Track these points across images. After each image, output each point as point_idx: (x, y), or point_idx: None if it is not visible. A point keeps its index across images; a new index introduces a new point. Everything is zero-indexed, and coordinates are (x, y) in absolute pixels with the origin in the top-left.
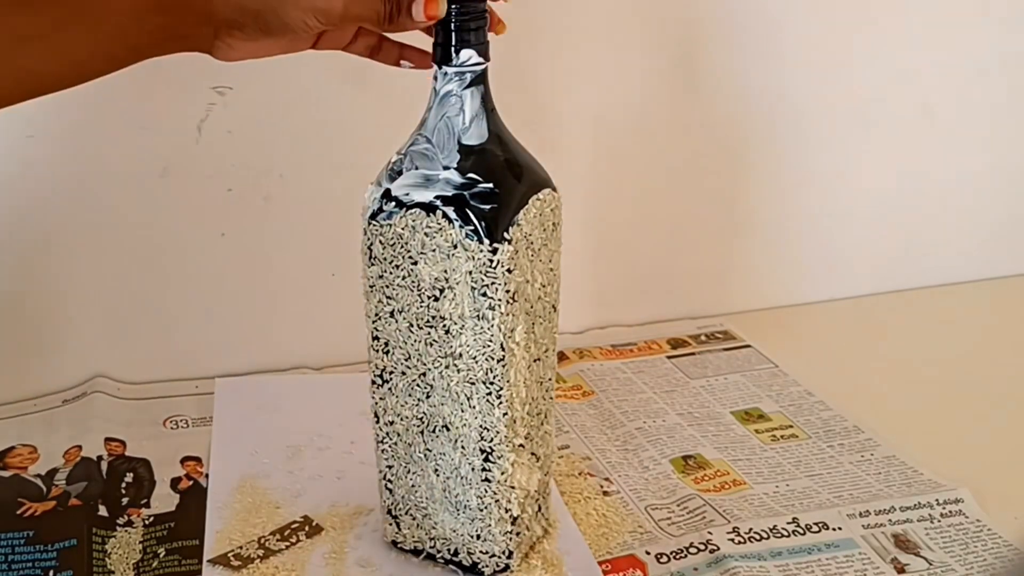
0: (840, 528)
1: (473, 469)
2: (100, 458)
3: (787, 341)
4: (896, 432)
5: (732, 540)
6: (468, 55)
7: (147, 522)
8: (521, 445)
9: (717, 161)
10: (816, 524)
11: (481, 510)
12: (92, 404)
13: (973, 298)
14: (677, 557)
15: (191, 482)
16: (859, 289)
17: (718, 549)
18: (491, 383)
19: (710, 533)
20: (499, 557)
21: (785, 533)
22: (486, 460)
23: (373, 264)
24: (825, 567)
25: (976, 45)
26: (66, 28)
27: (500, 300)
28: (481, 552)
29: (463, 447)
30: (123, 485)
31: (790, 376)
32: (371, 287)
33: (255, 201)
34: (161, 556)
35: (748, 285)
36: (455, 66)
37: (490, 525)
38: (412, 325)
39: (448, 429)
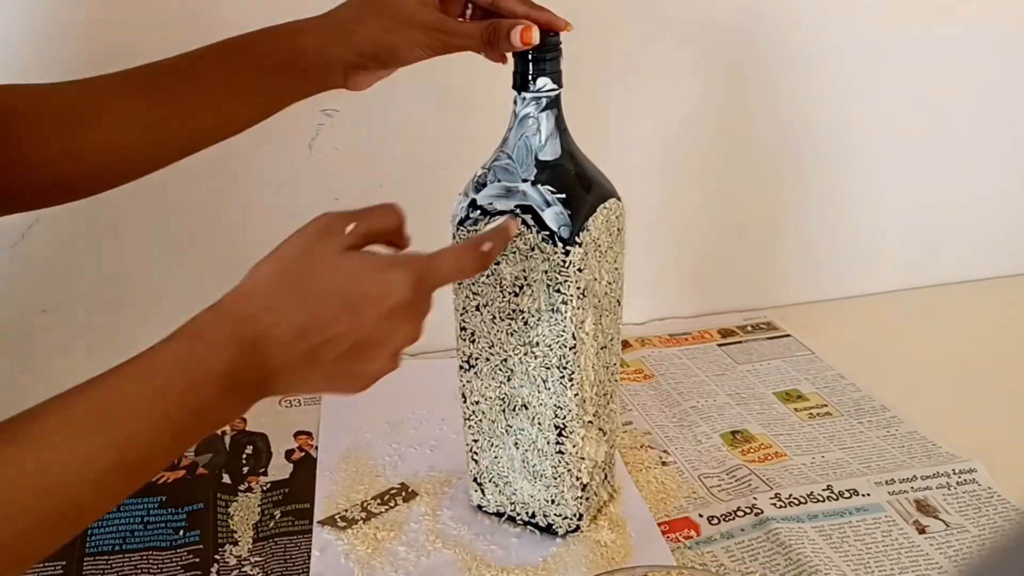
0: (869, 494)
1: (548, 443)
2: (224, 433)
3: (823, 331)
4: (918, 410)
5: (774, 504)
6: (544, 82)
7: (265, 488)
8: (590, 422)
9: (761, 172)
10: (848, 491)
11: (555, 478)
12: None
13: (990, 294)
14: (726, 519)
15: (303, 454)
16: (887, 285)
17: (762, 512)
18: (564, 368)
19: (755, 498)
20: (571, 519)
21: (820, 498)
22: (559, 435)
23: None
24: (856, 528)
25: (989, 66)
26: (241, 101)
27: (571, 296)
28: (555, 515)
29: (540, 423)
30: (244, 456)
31: (825, 362)
32: (459, 284)
33: None
34: (277, 517)
35: (789, 282)
36: (532, 92)
37: (563, 491)
38: (495, 317)
39: (527, 408)
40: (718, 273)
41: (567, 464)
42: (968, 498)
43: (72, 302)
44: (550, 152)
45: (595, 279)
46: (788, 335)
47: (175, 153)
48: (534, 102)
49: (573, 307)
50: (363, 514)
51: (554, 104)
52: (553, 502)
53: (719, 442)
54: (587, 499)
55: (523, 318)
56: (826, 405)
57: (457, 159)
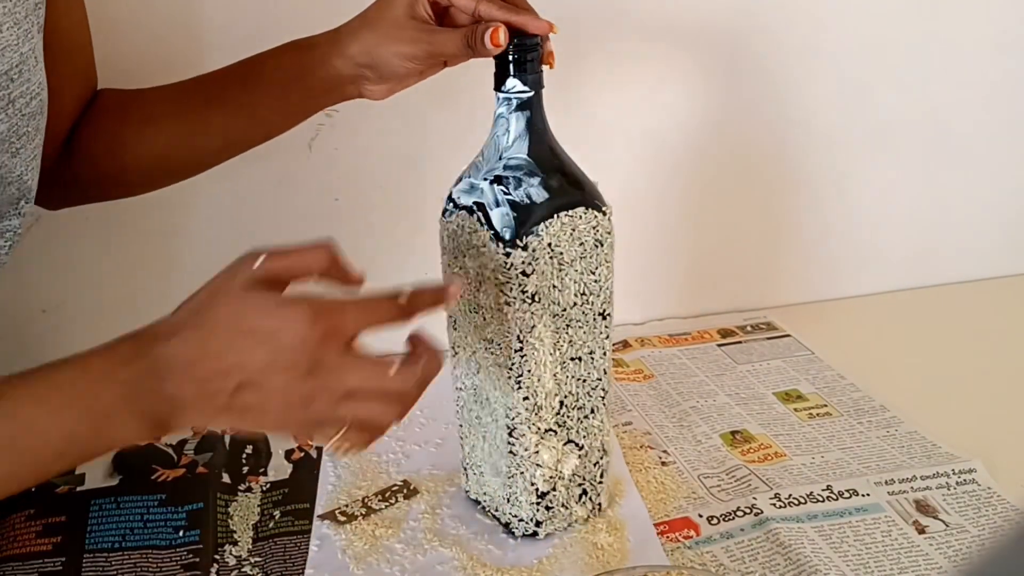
0: (868, 494)
1: (503, 441)
2: (223, 432)
3: (822, 331)
4: (917, 410)
5: (774, 504)
6: (513, 83)
7: (264, 488)
8: (549, 430)
9: (761, 172)
10: (847, 491)
11: (510, 477)
12: None
13: (986, 294)
14: (726, 519)
15: (302, 454)
16: (885, 286)
17: (762, 512)
18: (511, 369)
19: (755, 498)
20: (527, 523)
21: (820, 498)
22: (511, 435)
23: (444, 253)
24: (855, 528)
25: (988, 71)
26: (269, 111)
27: (515, 298)
28: (511, 514)
29: (496, 420)
30: (243, 456)
31: (825, 362)
32: (444, 272)
33: (358, 209)
34: (276, 517)
35: (788, 282)
36: (503, 92)
37: (517, 492)
38: (466, 309)
39: (489, 402)
40: (718, 273)
41: (519, 467)
42: (968, 498)
43: (72, 302)
44: (516, 153)
45: (554, 287)
46: (788, 335)
47: (214, 156)
48: (506, 102)
49: (517, 310)
50: (363, 510)
51: (526, 106)
52: (509, 501)
53: (719, 442)
54: (548, 508)
55: (482, 313)
56: (826, 405)
57: (457, 159)
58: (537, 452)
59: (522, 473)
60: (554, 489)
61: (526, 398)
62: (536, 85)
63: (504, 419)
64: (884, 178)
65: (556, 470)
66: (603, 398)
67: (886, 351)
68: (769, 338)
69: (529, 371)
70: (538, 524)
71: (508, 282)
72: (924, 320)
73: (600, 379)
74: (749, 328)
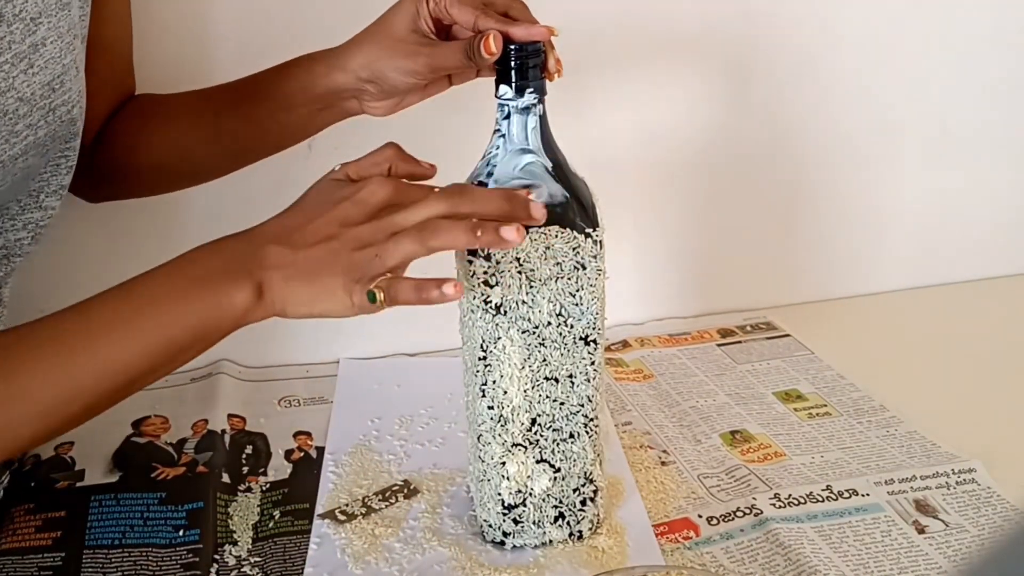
0: (868, 494)
1: (473, 445)
2: (223, 431)
3: (822, 331)
4: (917, 410)
5: (774, 505)
6: (504, 91)
7: (264, 488)
8: (519, 446)
9: (761, 172)
10: (847, 490)
11: (479, 482)
12: (217, 383)
13: (990, 294)
14: (726, 520)
15: (302, 454)
16: (885, 286)
17: (761, 512)
18: (476, 374)
19: (754, 499)
20: (495, 530)
21: (820, 498)
22: (478, 440)
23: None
24: (855, 528)
25: (987, 71)
26: (278, 124)
27: (478, 307)
28: (483, 518)
29: (470, 423)
30: (243, 456)
31: (824, 361)
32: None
33: None
34: (276, 518)
35: (788, 282)
36: (497, 99)
37: (484, 498)
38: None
39: (468, 403)
40: (718, 273)
41: (486, 474)
42: (967, 498)
43: (72, 302)
44: (499, 161)
45: (523, 303)
46: (787, 335)
47: (227, 162)
48: (499, 109)
49: (480, 319)
50: (363, 509)
51: (521, 113)
52: (482, 504)
53: (718, 442)
54: (516, 522)
55: (460, 315)
56: (825, 405)
57: (462, 161)
58: (503, 464)
59: (489, 480)
60: (523, 504)
61: (491, 407)
62: (537, 92)
63: (474, 424)
64: (884, 178)
65: (525, 486)
66: (587, 425)
67: (886, 351)
68: (769, 338)
69: (494, 382)
70: (505, 535)
71: (472, 289)
72: (924, 320)
73: (583, 406)
74: (749, 328)
